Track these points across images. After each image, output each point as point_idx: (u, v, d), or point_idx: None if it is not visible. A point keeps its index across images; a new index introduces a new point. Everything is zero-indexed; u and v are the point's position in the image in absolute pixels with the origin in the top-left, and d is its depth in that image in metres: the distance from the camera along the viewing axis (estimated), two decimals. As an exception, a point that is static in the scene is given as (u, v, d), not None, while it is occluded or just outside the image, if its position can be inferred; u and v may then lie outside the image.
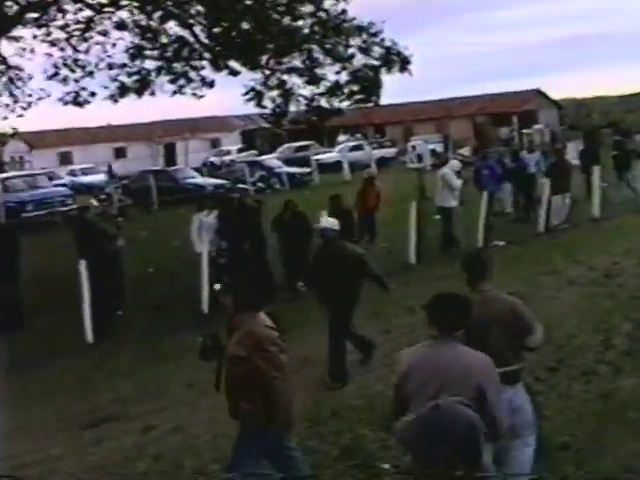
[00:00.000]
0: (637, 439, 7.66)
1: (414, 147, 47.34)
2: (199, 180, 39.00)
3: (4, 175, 42.01)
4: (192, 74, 21.53)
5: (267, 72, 20.52)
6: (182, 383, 11.14)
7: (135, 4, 20.59)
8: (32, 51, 22.62)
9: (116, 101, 22.11)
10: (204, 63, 21.18)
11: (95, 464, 8.44)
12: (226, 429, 9.01)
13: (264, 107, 21.61)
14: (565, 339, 11.03)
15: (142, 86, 21.82)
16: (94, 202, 18.04)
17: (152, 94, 22.00)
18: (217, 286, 14.50)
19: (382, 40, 20.22)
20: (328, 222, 10.74)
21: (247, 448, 6.36)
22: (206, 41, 20.37)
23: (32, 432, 9.88)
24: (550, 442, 7.68)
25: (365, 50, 20.24)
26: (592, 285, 14.04)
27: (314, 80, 20.48)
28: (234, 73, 20.67)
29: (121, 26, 21.22)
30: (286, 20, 19.18)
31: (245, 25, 18.87)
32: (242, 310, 6.38)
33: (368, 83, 21.06)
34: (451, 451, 4.60)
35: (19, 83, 23.26)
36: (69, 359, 13.21)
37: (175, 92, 22.22)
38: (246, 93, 21.26)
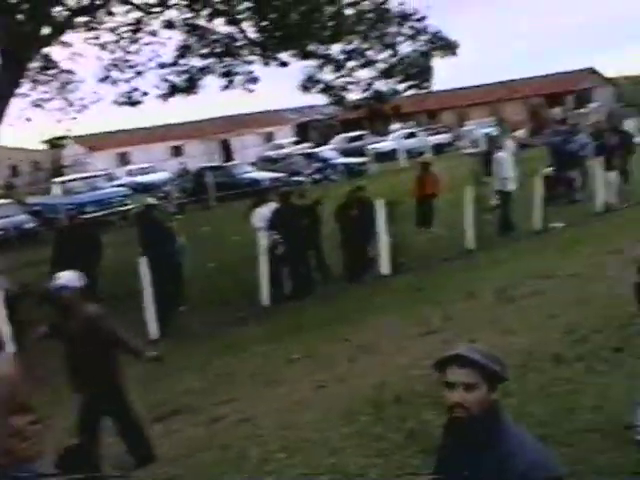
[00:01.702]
0: None
1: (469, 132, 46.93)
2: (255, 175, 39.18)
3: (64, 178, 42.75)
4: (240, 69, 21.61)
5: (319, 61, 20.54)
6: (248, 374, 11.26)
7: (183, 3, 20.74)
8: (82, 55, 22.95)
9: (166, 100, 22.32)
10: (253, 58, 21.24)
11: (163, 456, 8.57)
12: (292, 418, 9.13)
13: (330, 94, 21.55)
14: (628, 319, 10.84)
15: (191, 84, 22.00)
16: (152, 200, 18.29)
17: (195, 93, 22.14)
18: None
19: (426, 27, 20.16)
20: (66, 278, 8.01)
21: None
22: (254, 36, 20.45)
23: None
24: (617, 423, 7.62)
25: (412, 36, 20.18)
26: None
27: (369, 63, 20.46)
28: (284, 64, 20.71)
29: (170, 25, 21.38)
30: (331, 9, 19.18)
31: (293, 16, 18.90)
32: None
33: (419, 69, 20.98)
34: None
35: (71, 87, 23.65)
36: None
37: (226, 87, 22.34)
38: (304, 83, 21.26)
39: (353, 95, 21.98)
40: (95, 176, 40.95)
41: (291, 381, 10.45)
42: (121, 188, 39.16)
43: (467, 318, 12.16)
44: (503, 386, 8.53)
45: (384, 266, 16.21)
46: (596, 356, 9.52)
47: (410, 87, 21.94)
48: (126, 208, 33.94)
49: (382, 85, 21.03)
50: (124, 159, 64.90)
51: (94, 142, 64.98)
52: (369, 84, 20.92)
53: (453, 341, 11.03)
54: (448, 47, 20.22)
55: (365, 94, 21.45)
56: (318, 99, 23.14)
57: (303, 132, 69.88)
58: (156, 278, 14.31)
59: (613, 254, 14.44)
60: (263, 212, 16.35)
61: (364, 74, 20.86)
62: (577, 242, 16.48)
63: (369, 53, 20.37)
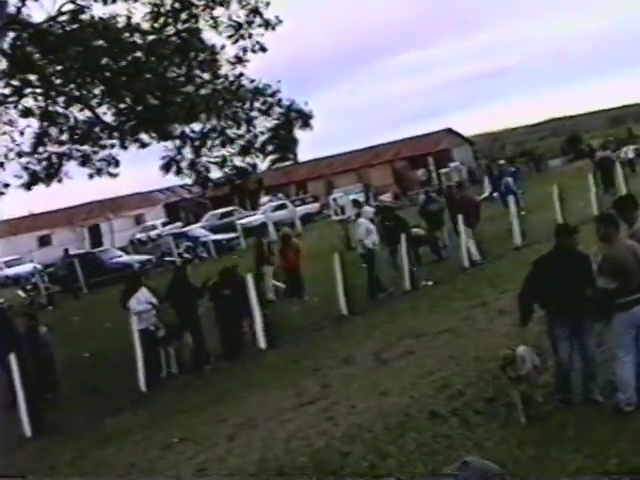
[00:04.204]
0: (578, 456, 7.73)
1: (335, 200, 47.64)
2: (125, 258, 38.81)
3: None
4: (100, 154, 21.43)
5: (178, 141, 20.58)
6: (127, 464, 10.95)
7: (38, 91, 20.50)
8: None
9: (29, 189, 21.86)
10: (113, 141, 21.10)
11: None
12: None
13: (191, 174, 21.54)
14: (498, 370, 11.06)
15: (52, 172, 21.63)
16: (21, 293, 17.84)
17: (58, 181, 21.79)
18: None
19: (279, 100, 20.48)
20: None
21: None
22: (111, 119, 20.38)
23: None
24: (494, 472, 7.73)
25: (265, 111, 20.47)
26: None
27: (228, 141, 20.60)
28: (143, 145, 20.68)
29: (27, 113, 21.06)
30: (188, 88, 19.33)
31: (149, 98, 18.95)
32: None
33: (281, 142, 21.21)
34: None
35: None
36: (6, 457, 12.86)
37: (92, 175, 22.05)
38: (164, 165, 21.20)
39: (214, 173, 22.01)
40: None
41: (170, 467, 10.22)
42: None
43: (344, 384, 12.20)
44: (381, 448, 8.61)
45: (260, 340, 16.16)
46: (471, 409, 9.69)
47: (275, 160, 22.11)
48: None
49: (240, 161, 21.14)
50: (-12, 253, 62.93)
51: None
52: (225, 161, 21.01)
53: (332, 409, 11.05)
54: (303, 118, 20.55)
55: (225, 171, 21.52)
56: (185, 178, 23.09)
57: (174, 212, 69.62)
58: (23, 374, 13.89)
59: (480, 307, 14.83)
60: (138, 296, 16.22)
61: (224, 152, 20.97)
62: (446, 298, 16.83)
63: (228, 131, 20.51)
